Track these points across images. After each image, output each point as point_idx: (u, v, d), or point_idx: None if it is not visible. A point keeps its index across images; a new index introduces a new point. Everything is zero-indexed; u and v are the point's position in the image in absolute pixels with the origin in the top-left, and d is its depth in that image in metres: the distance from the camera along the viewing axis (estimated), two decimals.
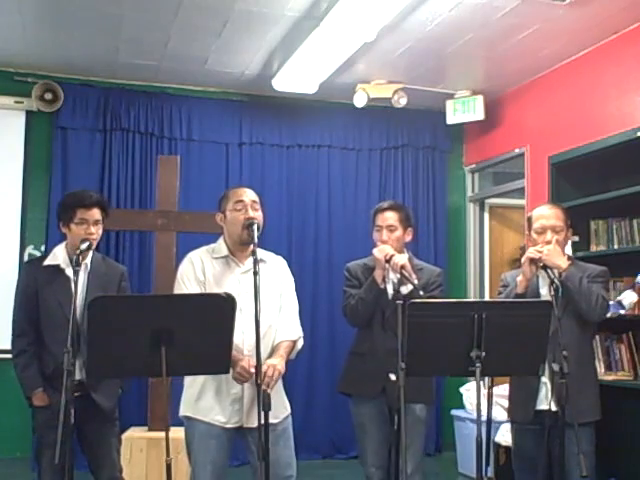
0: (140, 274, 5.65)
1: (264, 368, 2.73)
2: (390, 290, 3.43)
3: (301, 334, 3.04)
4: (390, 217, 3.48)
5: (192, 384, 2.97)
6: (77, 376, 2.99)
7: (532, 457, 3.23)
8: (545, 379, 3.13)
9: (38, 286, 3.23)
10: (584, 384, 3.15)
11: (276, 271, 3.07)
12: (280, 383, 2.99)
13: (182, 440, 4.34)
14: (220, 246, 3.05)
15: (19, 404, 5.35)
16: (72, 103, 5.76)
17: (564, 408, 2.82)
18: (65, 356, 2.63)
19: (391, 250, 3.37)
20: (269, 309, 2.95)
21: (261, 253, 3.00)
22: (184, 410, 2.98)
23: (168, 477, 2.50)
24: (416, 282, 3.22)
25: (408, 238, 3.54)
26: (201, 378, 2.93)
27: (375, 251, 3.40)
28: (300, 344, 3.05)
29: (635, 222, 4.50)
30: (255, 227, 2.89)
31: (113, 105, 5.86)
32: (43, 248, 5.70)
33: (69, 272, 3.16)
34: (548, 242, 3.23)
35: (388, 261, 3.32)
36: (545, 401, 3.13)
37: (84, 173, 5.73)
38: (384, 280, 3.39)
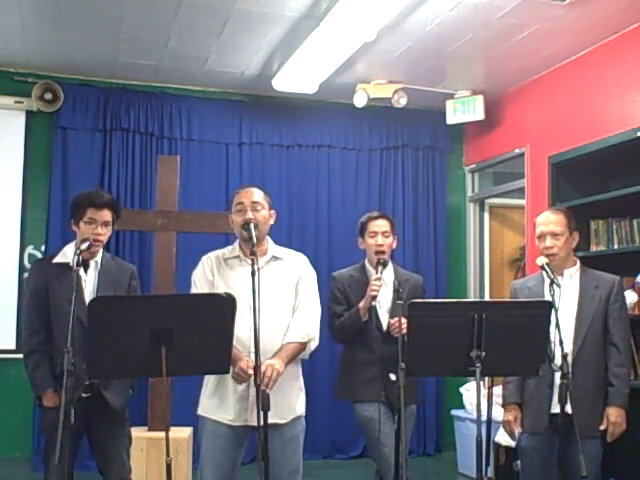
0: (140, 274, 5.63)
1: (263, 368, 2.74)
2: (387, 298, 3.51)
3: (313, 336, 3.04)
4: (384, 224, 3.64)
5: (206, 384, 3.05)
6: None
7: (542, 457, 3.22)
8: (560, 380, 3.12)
9: (48, 284, 3.21)
10: (599, 398, 3.16)
11: (293, 268, 3.11)
12: (293, 383, 3.02)
13: (182, 440, 4.37)
14: (235, 246, 3.12)
15: (19, 404, 5.41)
16: (72, 103, 5.76)
17: (564, 407, 2.82)
18: (65, 356, 2.63)
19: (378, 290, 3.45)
20: (281, 307, 3.01)
21: (278, 250, 3.14)
22: (198, 409, 3.07)
23: (168, 477, 2.50)
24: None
25: (395, 245, 3.70)
26: (212, 377, 3.00)
27: (370, 290, 3.47)
28: (313, 345, 3.06)
29: (635, 222, 4.50)
30: (251, 227, 2.92)
31: (113, 105, 5.86)
32: (43, 248, 5.70)
33: (80, 271, 3.15)
34: (547, 248, 3.22)
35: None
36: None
37: (84, 173, 5.73)
38: (369, 310, 3.48)
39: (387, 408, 3.42)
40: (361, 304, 3.48)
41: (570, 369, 2.87)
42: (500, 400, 3.94)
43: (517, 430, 3.24)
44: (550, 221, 3.27)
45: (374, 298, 3.44)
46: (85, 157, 5.81)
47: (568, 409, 2.91)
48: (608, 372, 3.18)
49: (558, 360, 2.94)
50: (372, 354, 3.48)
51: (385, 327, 3.51)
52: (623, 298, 3.36)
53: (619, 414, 3.14)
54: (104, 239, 3.26)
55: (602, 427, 3.13)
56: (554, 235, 3.23)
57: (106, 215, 3.22)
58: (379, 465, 3.47)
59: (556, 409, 3.09)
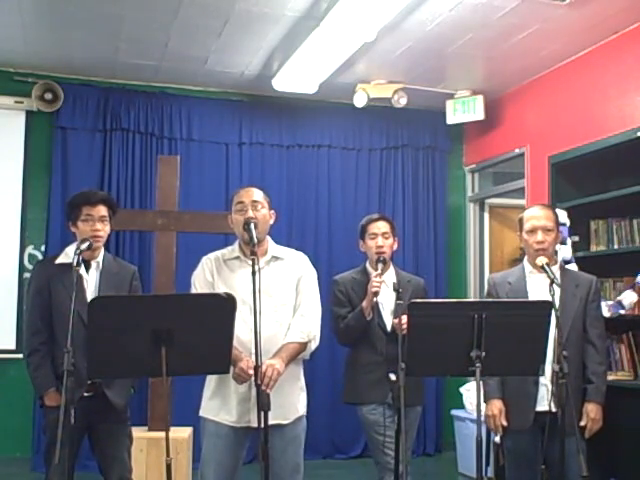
0: (140, 274, 5.63)
1: (263, 368, 2.73)
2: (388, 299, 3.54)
3: (313, 335, 3.02)
4: (383, 226, 3.67)
5: (208, 385, 3.04)
6: None
7: (527, 456, 3.23)
8: (545, 380, 3.12)
9: (50, 284, 3.23)
10: (578, 395, 3.17)
11: (293, 268, 3.10)
12: (294, 384, 3.02)
13: (182, 440, 4.37)
14: (235, 247, 3.11)
15: (19, 404, 5.41)
16: (72, 103, 5.76)
17: (564, 408, 2.82)
18: (65, 356, 2.63)
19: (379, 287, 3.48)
20: (282, 307, 3.00)
21: (278, 250, 3.13)
22: (200, 410, 3.06)
23: (168, 477, 2.50)
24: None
25: (395, 247, 3.72)
26: (214, 378, 2.99)
27: (370, 288, 3.50)
28: (313, 345, 3.05)
29: (635, 222, 4.51)
30: (252, 226, 2.91)
31: (113, 105, 5.86)
32: (43, 248, 5.70)
33: (82, 271, 3.17)
34: (539, 242, 3.22)
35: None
36: (544, 402, 3.12)
37: (84, 173, 5.73)
38: (373, 309, 3.52)
39: (392, 411, 3.41)
40: (364, 303, 3.50)
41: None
42: None
43: (504, 423, 3.23)
44: (542, 216, 3.28)
45: (376, 294, 3.46)
46: (85, 157, 5.81)
47: (553, 407, 2.96)
48: (587, 370, 3.21)
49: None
50: (377, 355, 3.50)
51: (389, 328, 3.53)
52: (599, 298, 3.38)
53: (598, 410, 3.18)
54: (103, 234, 3.28)
55: (582, 423, 3.15)
56: (546, 230, 3.24)
57: (101, 210, 3.26)
58: (381, 470, 3.46)
59: (541, 407, 3.13)
